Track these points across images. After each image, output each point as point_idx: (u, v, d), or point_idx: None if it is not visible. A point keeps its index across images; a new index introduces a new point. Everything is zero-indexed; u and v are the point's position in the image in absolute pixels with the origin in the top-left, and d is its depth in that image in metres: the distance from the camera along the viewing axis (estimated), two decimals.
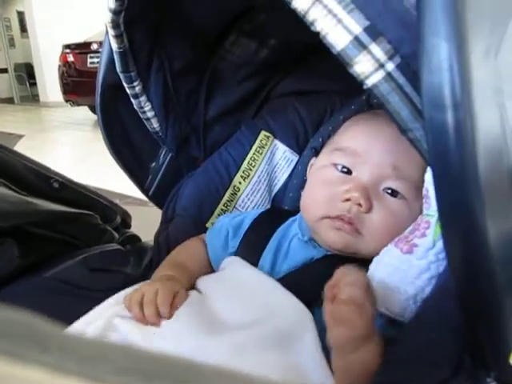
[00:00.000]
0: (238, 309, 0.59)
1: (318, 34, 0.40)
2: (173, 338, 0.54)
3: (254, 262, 0.70)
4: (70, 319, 0.65)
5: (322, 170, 0.70)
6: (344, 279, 0.50)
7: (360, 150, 0.66)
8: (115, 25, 0.66)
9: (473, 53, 0.32)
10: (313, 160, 0.79)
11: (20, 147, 4.83)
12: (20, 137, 5.39)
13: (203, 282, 0.67)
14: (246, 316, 0.57)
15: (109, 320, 0.57)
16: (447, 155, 0.32)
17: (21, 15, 9.62)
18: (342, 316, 0.48)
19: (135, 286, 0.66)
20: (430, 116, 0.32)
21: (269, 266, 0.69)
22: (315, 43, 0.88)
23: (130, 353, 0.14)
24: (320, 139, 0.83)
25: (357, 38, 0.38)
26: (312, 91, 0.98)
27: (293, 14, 0.42)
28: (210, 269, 0.76)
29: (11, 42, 10.30)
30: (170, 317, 0.57)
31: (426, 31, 0.32)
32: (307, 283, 0.64)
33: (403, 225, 0.61)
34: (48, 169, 0.81)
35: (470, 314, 0.41)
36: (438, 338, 0.47)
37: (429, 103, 0.32)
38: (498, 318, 0.39)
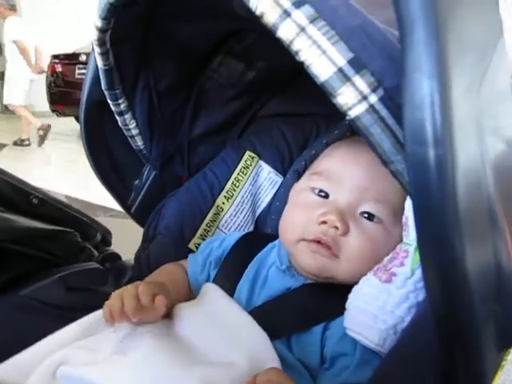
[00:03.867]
0: (209, 343, 0.58)
1: (302, 63, 0.40)
2: (136, 368, 0.53)
3: (231, 290, 0.69)
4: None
5: (300, 193, 0.70)
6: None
7: (337, 174, 0.66)
8: (101, 43, 0.66)
9: (455, 89, 0.32)
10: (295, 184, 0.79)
11: (3, 157, 4.77)
12: (3, 146, 5.32)
13: (177, 310, 0.66)
14: (215, 351, 0.56)
15: (49, 371, 0.55)
16: (428, 190, 0.32)
17: None
18: None
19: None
20: (411, 151, 0.32)
21: (246, 294, 0.68)
22: (301, 65, 0.89)
23: None
24: (303, 163, 0.83)
25: (340, 70, 0.38)
26: (298, 113, 0.98)
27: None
28: (189, 296, 0.75)
29: None
30: (150, 310, 0.59)
31: (410, 67, 0.32)
32: (283, 314, 0.63)
33: (381, 249, 0.61)
34: (27, 184, 0.79)
35: (447, 345, 0.41)
36: (417, 368, 0.47)
37: (411, 139, 0.32)
38: (475, 350, 0.39)
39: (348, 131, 0.80)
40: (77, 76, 5.58)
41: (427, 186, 0.32)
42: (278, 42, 0.43)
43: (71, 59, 5.66)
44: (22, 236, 0.74)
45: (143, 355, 0.53)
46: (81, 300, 0.76)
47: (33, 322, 0.71)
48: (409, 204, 0.58)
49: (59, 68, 5.81)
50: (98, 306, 0.73)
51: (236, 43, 0.85)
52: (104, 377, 0.51)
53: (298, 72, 0.90)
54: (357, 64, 0.38)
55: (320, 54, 0.39)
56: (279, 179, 0.93)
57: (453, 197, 0.32)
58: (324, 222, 0.62)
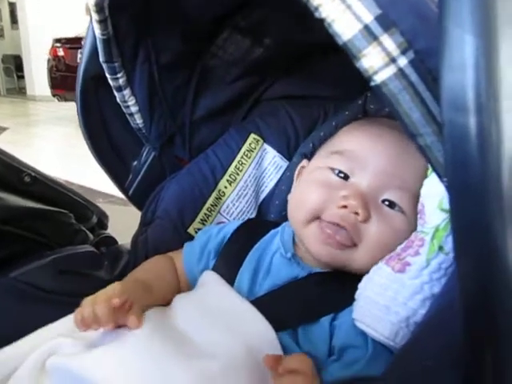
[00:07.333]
0: (208, 333, 0.54)
1: (321, 21, 0.35)
2: (131, 359, 0.49)
3: (231, 278, 0.65)
4: (34, 324, 0.61)
5: (317, 171, 0.66)
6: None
7: (360, 156, 0.62)
8: (99, 8, 0.61)
9: (503, 49, 0.27)
10: (304, 162, 0.75)
11: (3, 140, 4.73)
12: (4, 129, 5.28)
13: (176, 301, 0.62)
14: (216, 342, 0.53)
15: (38, 362, 0.52)
16: (467, 165, 0.28)
17: (12, 6, 9.48)
18: None
19: None
20: (449, 120, 0.28)
21: (248, 282, 0.64)
22: (311, 45, 0.84)
23: None
24: (310, 145, 0.79)
25: (367, 27, 0.34)
26: (305, 96, 0.94)
27: (292, 11, 0.38)
28: (182, 290, 0.71)
29: (0, 33, 10.16)
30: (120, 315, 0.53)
31: (450, 22, 0.28)
32: (289, 304, 0.60)
33: (401, 239, 0.57)
34: (20, 161, 0.75)
35: (475, 346, 0.37)
36: (435, 366, 0.43)
37: (448, 105, 0.28)
38: (508, 353, 0.35)
39: (359, 113, 0.77)
40: (79, 60, 5.50)
41: (466, 160, 0.28)
42: (287, 17, 0.39)
43: (73, 43, 5.60)
44: (13, 215, 0.70)
45: (134, 347, 0.50)
46: (73, 284, 0.73)
47: (22, 306, 0.68)
48: (425, 190, 0.55)
49: (61, 52, 5.76)
50: (90, 291, 0.69)
51: (242, 19, 0.81)
52: (93, 369, 0.48)
53: (307, 53, 0.86)
54: (385, 21, 0.34)
55: (344, 10, 0.34)
56: (284, 163, 0.88)
57: (496, 173, 0.27)
58: (344, 206, 0.59)
